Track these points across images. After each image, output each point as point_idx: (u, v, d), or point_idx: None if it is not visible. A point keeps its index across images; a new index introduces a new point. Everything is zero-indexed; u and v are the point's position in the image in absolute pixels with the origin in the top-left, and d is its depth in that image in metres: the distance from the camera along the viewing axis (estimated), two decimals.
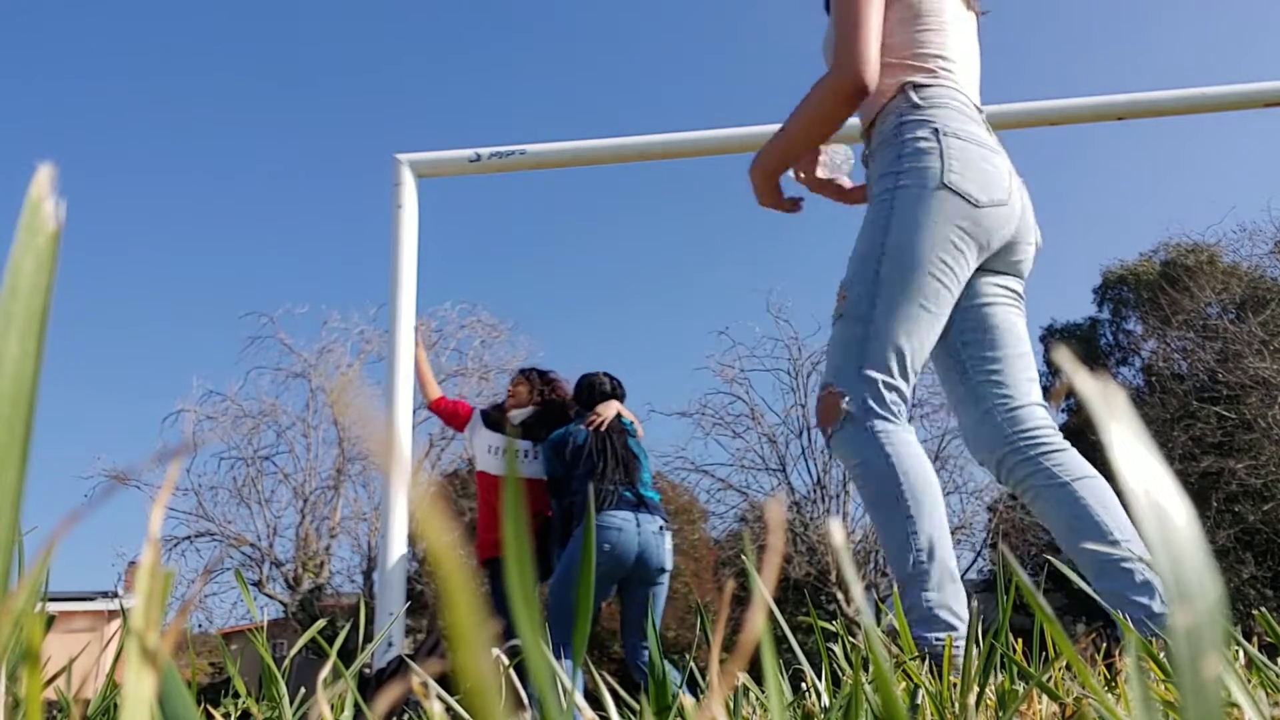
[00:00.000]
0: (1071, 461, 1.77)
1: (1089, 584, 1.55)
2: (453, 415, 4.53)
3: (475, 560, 4.27)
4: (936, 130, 1.80)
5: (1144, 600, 1.60)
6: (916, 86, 1.86)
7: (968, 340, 1.90)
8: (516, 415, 4.32)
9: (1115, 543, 1.65)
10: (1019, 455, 1.79)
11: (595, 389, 4.14)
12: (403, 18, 35.98)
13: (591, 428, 3.95)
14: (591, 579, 0.37)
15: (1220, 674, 0.22)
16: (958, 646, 1.56)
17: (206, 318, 32.64)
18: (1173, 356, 20.26)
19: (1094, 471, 1.76)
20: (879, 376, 1.74)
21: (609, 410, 4.04)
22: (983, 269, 1.90)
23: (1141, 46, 36.34)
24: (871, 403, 1.74)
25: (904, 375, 1.76)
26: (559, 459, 3.91)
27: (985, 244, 1.81)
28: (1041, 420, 1.82)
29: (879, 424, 1.73)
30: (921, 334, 1.77)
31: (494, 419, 4.37)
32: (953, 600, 1.66)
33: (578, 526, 3.69)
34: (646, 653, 3.94)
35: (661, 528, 3.79)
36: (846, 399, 1.74)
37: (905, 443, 1.73)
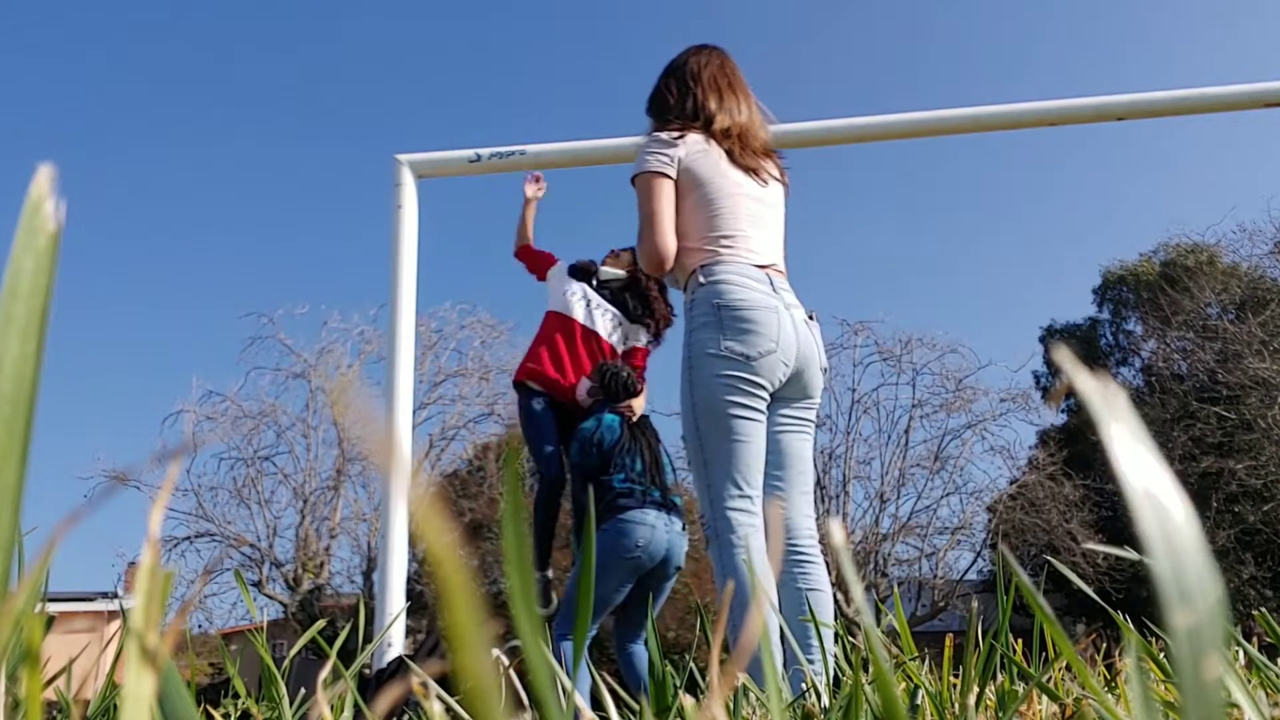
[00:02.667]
0: (814, 573, 2.30)
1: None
2: (536, 261, 4.52)
3: (513, 379, 4.30)
4: (716, 305, 2.26)
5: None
6: (703, 267, 2.33)
7: (765, 458, 2.41)
8: (607, 272, 4.26)
9: (809, 650, 2.10)
10: None
11: (625, 384, 4.11)
12: (403, 18, 36.01)
13: (626, 419, 3.95)
14: (591, 581, 0.37)
15: (1221, 674, 0.22)
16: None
17: (206, 318, 32.66)
18: (1173, 357, 20.26)
19: (826, 586, 2.31)
20: (727, 503, 2.22)
21: (640, 404, 4.06)
22: (779, 399, 2.37)
23: (1142, 47, 36.36)
24: (726, 532, 2.20)
25: (746, 490, 2.24)
26: (593, 449, 3.90)
27: (769, 383, 2.28)
28: (803, 531, 2.36)
29: (736, 548, 2.19)
30: (744, 458, 2.25)
31: (580, 271, 4.36)
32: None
33: (608, 522, 3.68)
34: (636, 648, 3.96)
35: (683, 527, 3.84)
36: (711, 528, 2.24)
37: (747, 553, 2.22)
